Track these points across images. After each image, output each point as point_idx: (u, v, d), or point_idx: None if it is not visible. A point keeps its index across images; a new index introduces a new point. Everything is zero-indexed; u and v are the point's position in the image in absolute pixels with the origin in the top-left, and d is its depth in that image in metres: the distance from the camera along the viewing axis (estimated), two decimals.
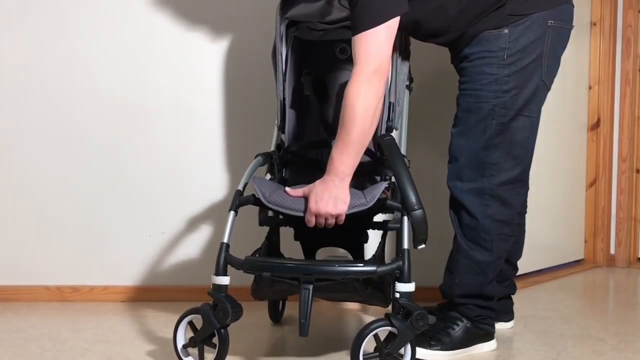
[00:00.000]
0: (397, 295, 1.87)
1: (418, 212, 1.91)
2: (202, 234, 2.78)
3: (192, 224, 2.77)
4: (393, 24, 1.92)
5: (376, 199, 1.95)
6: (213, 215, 2.77)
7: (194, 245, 2.78)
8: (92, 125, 2.74)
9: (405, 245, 1.90)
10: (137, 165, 2.75)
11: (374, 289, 1.97)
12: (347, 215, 1.93)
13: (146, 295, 2.76)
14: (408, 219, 1.92)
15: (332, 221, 1.93)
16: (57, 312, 2.62)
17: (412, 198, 1.91)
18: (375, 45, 1.90)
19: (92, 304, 2.73)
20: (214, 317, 1.92)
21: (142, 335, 2.35)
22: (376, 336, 1.86)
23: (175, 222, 2.77)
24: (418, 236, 1.93)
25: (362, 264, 1.88)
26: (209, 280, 2.73)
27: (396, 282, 1.88)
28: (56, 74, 2.73)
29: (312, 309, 1.86)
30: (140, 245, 2.77)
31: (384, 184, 2.02)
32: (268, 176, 2.17)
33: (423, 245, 1.94)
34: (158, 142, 2.76)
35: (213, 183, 2.77)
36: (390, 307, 1.96)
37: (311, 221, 1.93)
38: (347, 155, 1.92)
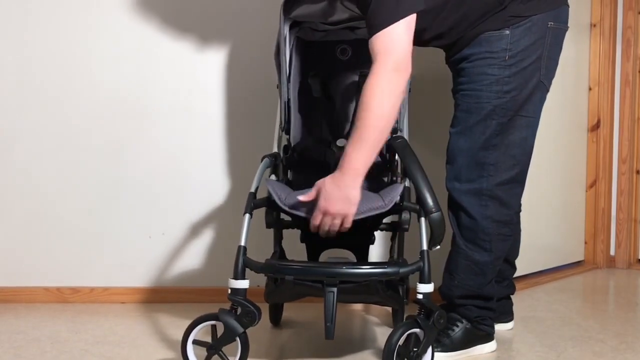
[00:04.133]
0: (420, 296, 1.89)
1: (436, 215, 1.91)
2: (203, 235, 2.77)
3: (193, 225, 2.77)
4: (410, 21, 1.89)
5: (394, 201, 1.95)
6: (214, 216, 2.77)
7: (194, 247, 2.78)
8: (93, 125, 2.74)
9: (424, 247, 1.91)
10: (137, 165, 2.75)
11: (392, 290, 2.00)
12: (364, 218, 1.92)
13: (147, 296, 2.76)
14: (425, 220, 1.93)
15: (338, 222, 1.89)
16: (57, 313, 2.62)
17: (430, 201, 1.91)
18: (393, 42, 1.86)
19: (92, 305, 2.73)
20: (236, 322, 1.87)
21: (142, 336, 2.35)
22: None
23: (175, 223, 2.77)
24: (435, 238, 1.93)
25: (385, 266, 1.89)
26: (211, 281, 2.74)
27: (417, 283, 1.90)
28: (56, 74, 2.73)
29: (337, 311, 1.85)
30: (141, 247, 2.77)
31: (401, 187, 2.02)
32: (273, 177, 2.17)
33: (438, 247, 1.95)
34: (158, 142, 2.76)
35: (213, 184, 2.77)
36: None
37: (317, 219, 1.89)
38: (361, 153, 1.88)
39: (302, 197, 1.93)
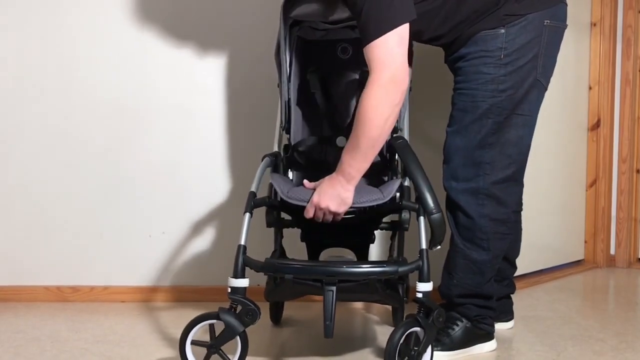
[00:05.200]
0: (419, 295, 1.90)
1: (437, 216, 1.93)
2: (204, 234, 2.78)
3: (193, 224, 2.77)
4: (402, 30, 1.89)
5: (392, 194, 1.98)
6: (213, 215, 2.77)
7: (194, 246, 2.78)
8: (93, 125, 2.74)
9: (423, 246, 1.92)
10: (138, 165, 2.75)
11: (391, 288, 2.01)
12: (363, 210, 1.97)
13: (147, 295, 2.76)
14: (425, 220, 1.94)
15: (329, 217, 1.97)
16: (57, 312, 2.62)
17: (431, 202, 1.93)
18: (386, 53, 1.87)
19: (92, 304, 2.73)
20: (237, 321, 1.88)
21: (142, 335, 2.35)
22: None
23: (175, 222, 2.77)
24: (436, 238, 1.94)
25: (384, 265, 1.90)
26: (211, 280, 2.75)
27: (417, 282, 1.91)
28: (56, 75, 2.73)
29: (336, 310, 1.86)
30: (141, 246, 2.77)
31: (398, 181, 2.05)
32: None
33: (439, 247, 1.96)
34: (158, 141, 2.76)
35: (214, 183, 2.77)
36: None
37: (310, 212, 1.97)
38: (355, 159, 1.93)
39: (307, 183, 2.04)
